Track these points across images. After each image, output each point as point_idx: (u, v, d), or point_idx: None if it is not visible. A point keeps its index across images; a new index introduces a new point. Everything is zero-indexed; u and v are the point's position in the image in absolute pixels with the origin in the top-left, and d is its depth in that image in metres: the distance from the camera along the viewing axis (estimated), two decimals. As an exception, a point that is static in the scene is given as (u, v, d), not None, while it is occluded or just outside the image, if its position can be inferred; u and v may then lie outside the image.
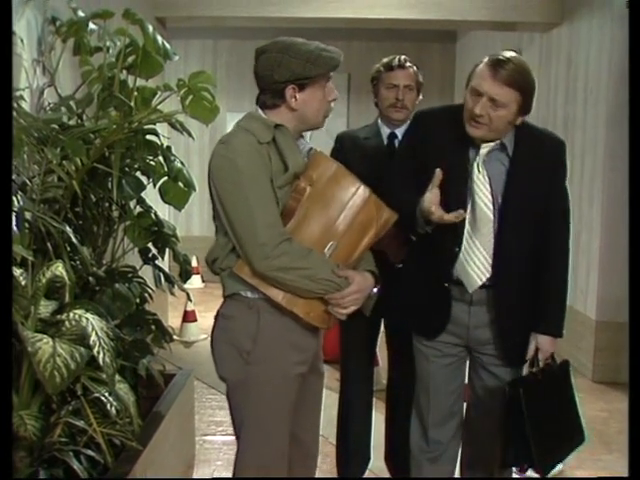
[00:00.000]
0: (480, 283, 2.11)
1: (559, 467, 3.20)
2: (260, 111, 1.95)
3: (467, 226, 2.09)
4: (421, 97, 2.72)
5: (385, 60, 2.68)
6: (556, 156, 2.14)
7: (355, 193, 1.89)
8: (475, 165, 2.07)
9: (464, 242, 2.10)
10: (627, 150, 1.98)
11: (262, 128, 1.89)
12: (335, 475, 2.93)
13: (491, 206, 2.07)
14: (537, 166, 2.10)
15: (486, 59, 1.98)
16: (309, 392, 2.07)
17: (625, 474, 1.77)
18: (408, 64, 2.65)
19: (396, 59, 2.65)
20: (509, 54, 1.99)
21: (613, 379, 4.30)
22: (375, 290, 2.00)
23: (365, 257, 2.01)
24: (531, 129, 2.16)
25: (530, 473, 2.82)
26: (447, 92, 7.42)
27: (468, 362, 2.31)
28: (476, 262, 2.10)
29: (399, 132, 2.66)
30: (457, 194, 2.07)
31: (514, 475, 2.43)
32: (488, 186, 2.07)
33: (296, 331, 1.95)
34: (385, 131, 2.68)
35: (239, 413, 2.00)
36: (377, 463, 2.97)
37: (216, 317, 2.04)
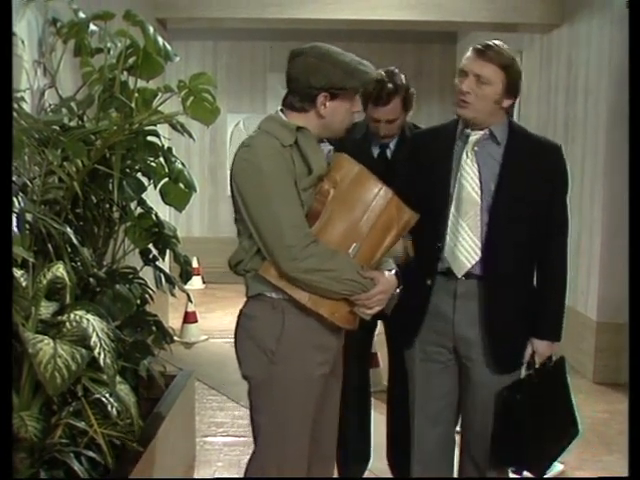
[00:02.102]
0: (469, 265, 2.10)
1: (560, 468, 3.20)
2: (280, 114, 1.96)
3: (452, 211, 2.11)
4: (411, 113, 2.67)
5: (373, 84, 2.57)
6: (551, 157, 2.15)
7: (377, 194, 1.90)
8: (464, 152, 2.11)
9: (449, 227, 2.11)
10: (627, 151, 1.98)
11: (284, 131, 1.90)
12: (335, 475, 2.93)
13: (479, 190, 2.09)
14: (532, 167, 2.11)
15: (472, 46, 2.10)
16: (329, 391, 2.08)
17: (625, 475, 1.77)
18: (392, 96, 2.53)
19: (382, 92, 2.53)
20: (494, 41, 2.08)
21: (614, 380, 4.29)
22: (397, 290, 2.01)
23: (387, 258, 2.02)
24: (528, 133, 2.20)
25: (526, 473, 2.82)
26: (447, 93, 7.41)
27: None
28: (464, 245, 2.10)
29: (391, 144, 2.67)
30: (441, 187, 2.11)
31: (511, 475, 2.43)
32: (477, 171, 2.10)
33: (320, 331, 1.96)
34: (373, 140, 2.68)
35: (260, 412, 2.00)
36: (377, 464, 2.97)
37: (239, 317, 2.04)
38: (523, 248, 2.14)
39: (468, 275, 2.12)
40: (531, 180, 2.10)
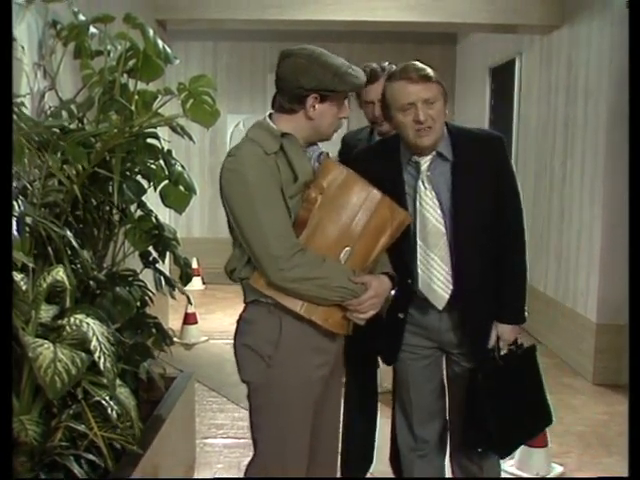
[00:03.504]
0: (447, 297, 2.14)
1: (559, 469, 3.21)
2: (268, 119, 1.96)
3: (420, 243, 2.12)
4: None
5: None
6: (495, 151, 2.17)
7: (367, 198, 1.89)
8: (420, 181, 2.10)
9: (420, 260, 2.13)
10: (627, 151, 1.99)
11: (269, 138, 1.90)
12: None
13: (442, 220, 2.10)
14: (479, 165, 2.12)
15: (391, 80, 2.06)
16: (329, 393, 2.08)
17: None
18: (379, 75, 2.51)
19: (367, 71, 2.46)
20: (411, 62, 2.07)
21: (614, 381, 4.30)
22: (393, 292, 2.01)
23: (381, 260, 2.02)
24: (465, 131, 2.21)
25: (522, 473, 2.82)
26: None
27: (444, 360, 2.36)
28: (439, 277, 2.13)
29: None
30: None
31: (505, 474, 2.46)
32: (436, 201, 2.10)
33: (317, 334, 1.96)
34: (376, 136, 2.69)
35: (259, 415, 2.01)
36: (378, 466, 2.97)
37: (238, 322, 2.05)
38: (487, 251, 2.17)
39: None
40: (481, 181, 2.12)
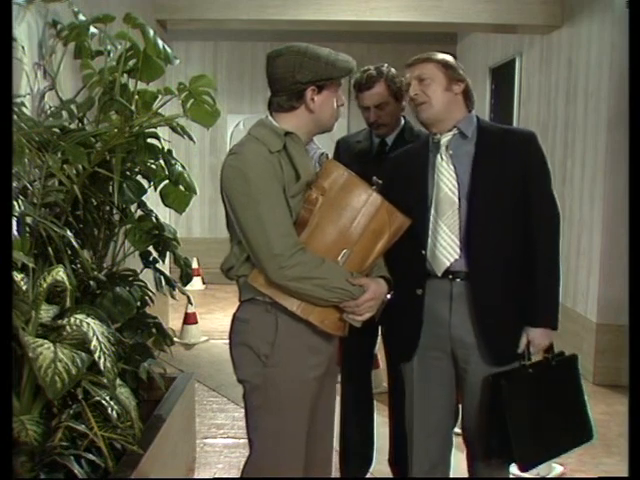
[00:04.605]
0: (447, 263, 2.11)
1: (559, 469, 3.21)
2: (270, 118, 1.96)
3: (432, 212, 2.13)
4: (405, 103, 2.62)
5: (357, 74, 2.59)
6: (526, 146, 2.17)
7: (367, 200, 1.89)
8: (439, 154, 2.15)
9: (430, 229, 2.13)
10: (627, 151, 1.99)
11: (273, 136, 1.90)
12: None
13: (456, 190, 2.12)
14: (506, 158, 2.13)
15: None
16: (324, 393, 2.07)
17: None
18: (375, 80, 2.57)
19: (364, 76, 2.58)
20: None
21: (614, 382, 4.30)
22: (389, 296, 2.01)
23: (378, 263, 2.02)
24: (498, 126, 2.27)
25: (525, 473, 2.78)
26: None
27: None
28: (442, 243, 2.11)
29: (389, 140, 2.67)
30: (420, 197, 2.14)
31: (511, 476, 2.42)
32: (453, 172, 2.13)
33: (313, 335, 1.95)
34: (375, 137, 2.69)
35: (255, 415, 2.01)
36: (378, 466, 2.97)
37: (232, 321, 2.04)
38: (507, 242, 2.13)
39: (456, 274, 2.12)
40: (506, 171, 2.11)
